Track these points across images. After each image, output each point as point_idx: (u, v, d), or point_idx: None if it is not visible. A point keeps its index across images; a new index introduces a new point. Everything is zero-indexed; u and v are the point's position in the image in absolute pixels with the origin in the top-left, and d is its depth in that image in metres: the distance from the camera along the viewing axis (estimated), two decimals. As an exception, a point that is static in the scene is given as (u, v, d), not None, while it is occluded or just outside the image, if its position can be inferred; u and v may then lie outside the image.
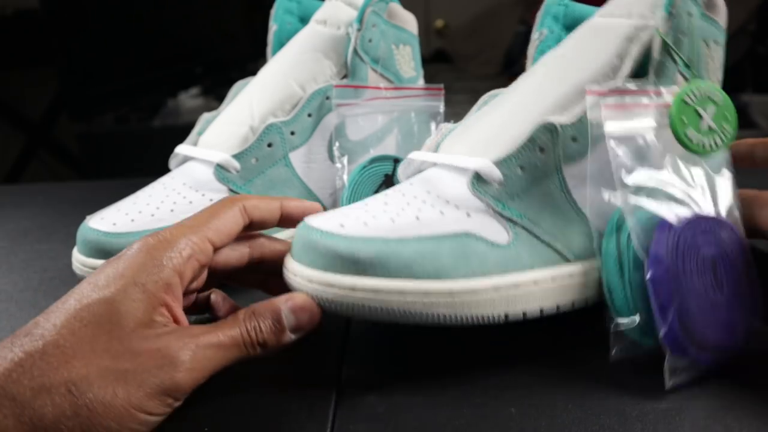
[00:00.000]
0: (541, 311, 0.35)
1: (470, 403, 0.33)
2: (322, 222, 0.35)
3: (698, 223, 0.35)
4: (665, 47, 0.36)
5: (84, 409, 0.27)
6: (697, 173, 0.36)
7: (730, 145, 0.44)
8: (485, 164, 0.36)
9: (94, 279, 0.30)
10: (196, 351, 0.29)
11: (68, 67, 1.35)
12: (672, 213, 0.34)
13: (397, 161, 0.49)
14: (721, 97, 0.37)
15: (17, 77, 1.65)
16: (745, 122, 1.50)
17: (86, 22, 1.38)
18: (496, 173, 0.36)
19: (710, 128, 0.36)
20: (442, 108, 0.54)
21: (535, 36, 0.44)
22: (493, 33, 2.31)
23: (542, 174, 0.36)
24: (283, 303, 0.33)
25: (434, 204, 0.36)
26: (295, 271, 0.35)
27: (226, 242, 0.35)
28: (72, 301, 0.29)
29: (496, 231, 0.35)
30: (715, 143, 0.37)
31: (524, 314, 0.35)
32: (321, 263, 0.34)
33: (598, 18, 0.40)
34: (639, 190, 0.35)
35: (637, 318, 0.33)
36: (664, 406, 0.32)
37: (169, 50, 1.58)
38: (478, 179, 0.36)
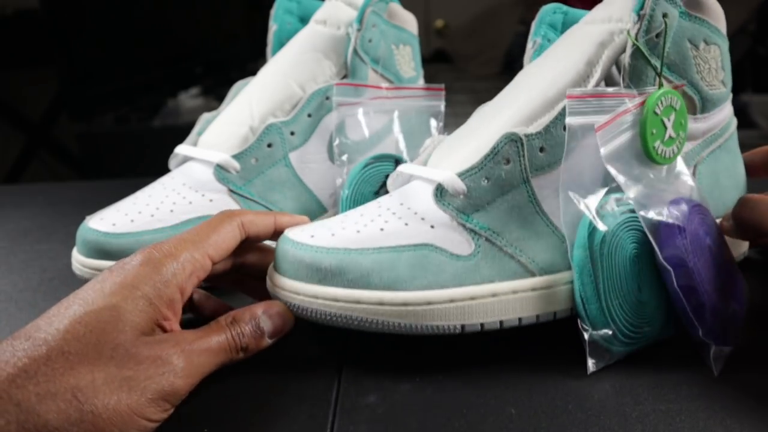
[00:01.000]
0: (501, 324, 0.35)
1: (470, 404, 0.33)
2: (298, 233, 0.36)
3: (694, 214, 0.35)
4: (638, 51, 0.35)
5: (89, 415, 0.27)
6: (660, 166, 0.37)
7: (745, 155, 0.44)
8: (448, 176, 0.36)
9: (99, 286, 0.31)
10: (191, 357, 0.30)
11: (68, 67, 1.35)
12: (666, 211, 0.34)
13: (397, 161, 0.49)
14: (680, 103, 0.36)
15: (17, 77, 1.65)
16: (745, 122, 1.50)
17: (86, 22, 1.37)
18: (459, 185, 0.35)
19: (671, 137, 0.36)
20: (442, 108, 0.54)
21: (529, 45, 0.44)
22: (493, 33, 2.31)
23: (509, 185, 0.36)
24: (260, 310, 0.34)
25: (402, 216, 0.36)
26: (272, 278, 0.36)
27: (224, 257, 0.36)
28: (76, 306, 0.29)
29: (458, 242, 0.35)
30: (674, 152, 0.36)
31: (482, 326, 0.35)
32: (291, 272, 0.35)
33: (578, 25, 0.40)
34: (623, 195, 0.35)
35: (612, 328, 0.33)
36: (664, 407, 0.32)
37: (169, 50, 1.58)
38: (441, 192, 0.36)
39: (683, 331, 0.35)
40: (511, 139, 0.35)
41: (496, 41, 2.27)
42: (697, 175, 0.40)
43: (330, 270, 0.34)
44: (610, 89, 0.35)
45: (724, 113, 0.41)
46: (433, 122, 0.54)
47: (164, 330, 0.31)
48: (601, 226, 0.34)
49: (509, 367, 0.36)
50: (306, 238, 0.36)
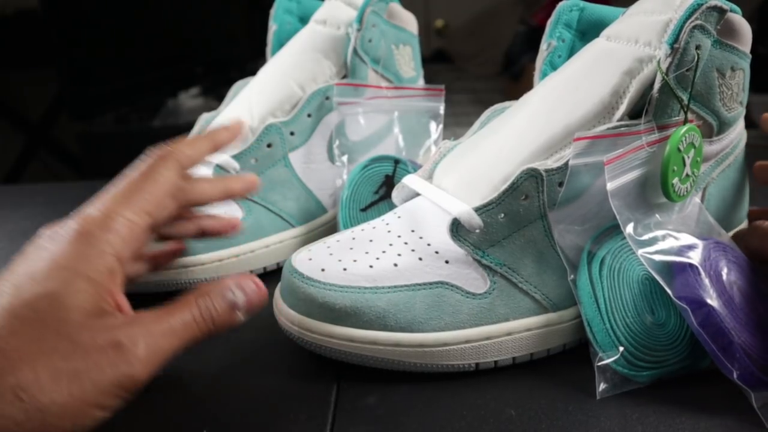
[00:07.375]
0: (514, 360, 0.35)
1: (470, 405, 0.32)
2: (305, 263, 0.35)
3: (709, 251, 0.34)
4: (666, 86, 0.34)
5: (37, 413, 0.25)
6: (670, 204, 0.36)
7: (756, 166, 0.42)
8: (465, 211, 0.35)
9: (28, 268, 0.28)
10: (150, 342, 0.28)
11: (68, 67, 1.34)
12: (675, 251, 0.33)
13: (397, 162, 0.49)
14: (699, 140, 0.35)
15: (17, 77, 1.65)
16: (746, 122, 1.50)
17: (86, 22, 1.37)
18: (476, 220, 0.34)
19: (687, 175, 0.35)
20: (442, 109, 0.54)
21: (543, 47, 0.42)
22: (493, 33, 2.31)
23: (526, 221, 0.35)
24: (232, 282, 0.31)
25: (415, 248, 0.35)
26: (280, 310, 0.36)
27: (166, 206, 0.33)
28: (8, 297, 0.27)
29: (473, 279, 0.35)
30: (687, 190, 0.36)
31: (495, 363, 0.35)
32: (302, 308, 0.35)
33: (604, 41, 0.37)
34: (639, 237, 0.34)
35: (620, 350, 0.33)
36: (665, 408, 0.32)
37: (169, 50, 1.57)
38: (458, 227, 0.35)
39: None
40: (531, 175, 0.34)
41: (496, 41, 2.27)
42: (707, 197, 0.39)
43: (344, 310, 0.34)
44: (624, 127, 0.34)
45: (737, 131, 0.40)
46: (433, 123, 0.54)
47: (111, 304, 0.29)
48: (599, 249, 0.34)
49: (509, 368, 0.35)
50: (316, 272, 0.35)
